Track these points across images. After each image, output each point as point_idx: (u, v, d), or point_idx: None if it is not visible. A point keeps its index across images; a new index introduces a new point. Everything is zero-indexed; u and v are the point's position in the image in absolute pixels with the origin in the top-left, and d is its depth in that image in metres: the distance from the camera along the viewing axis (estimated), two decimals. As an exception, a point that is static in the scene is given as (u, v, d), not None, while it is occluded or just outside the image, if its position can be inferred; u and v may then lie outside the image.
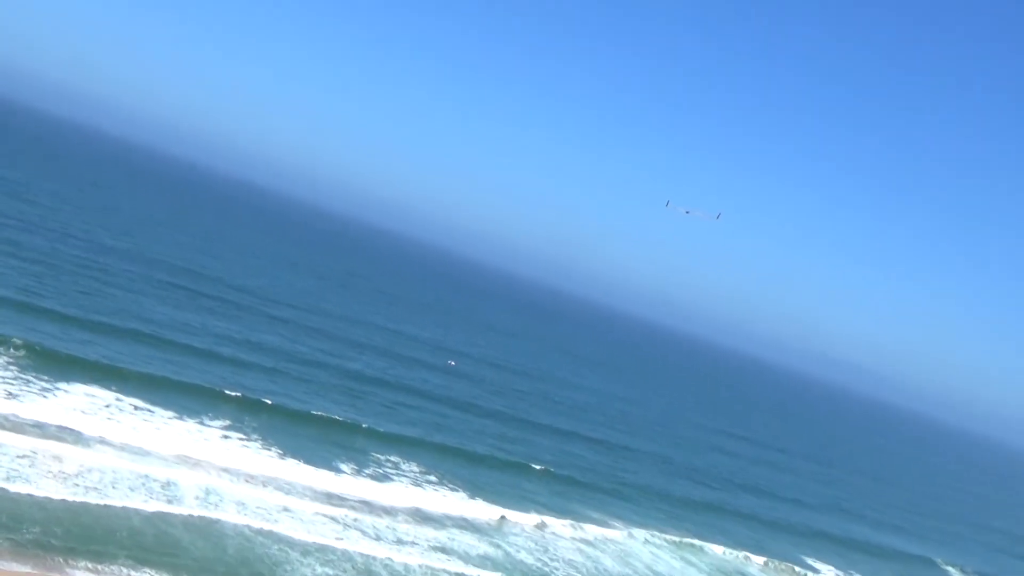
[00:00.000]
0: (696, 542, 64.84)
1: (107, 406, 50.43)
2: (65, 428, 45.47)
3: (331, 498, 49.23)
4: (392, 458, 59.29)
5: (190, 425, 52.08)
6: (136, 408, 51.66)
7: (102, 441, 45.60)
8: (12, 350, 53.12)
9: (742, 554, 66.52)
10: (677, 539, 63.82)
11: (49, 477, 40.28)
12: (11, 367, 51.33)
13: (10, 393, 47.49)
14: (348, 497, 50.26)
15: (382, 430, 63.36)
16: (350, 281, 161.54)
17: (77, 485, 40.48)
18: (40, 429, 44.38)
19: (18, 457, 40.88)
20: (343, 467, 54.44)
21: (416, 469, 58.73)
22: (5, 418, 44.24)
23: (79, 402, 49.55)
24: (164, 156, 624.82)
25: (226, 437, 52.37)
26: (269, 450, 52.49)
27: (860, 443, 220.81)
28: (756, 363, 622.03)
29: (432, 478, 58.12)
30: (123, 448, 45.75)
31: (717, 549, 65.39)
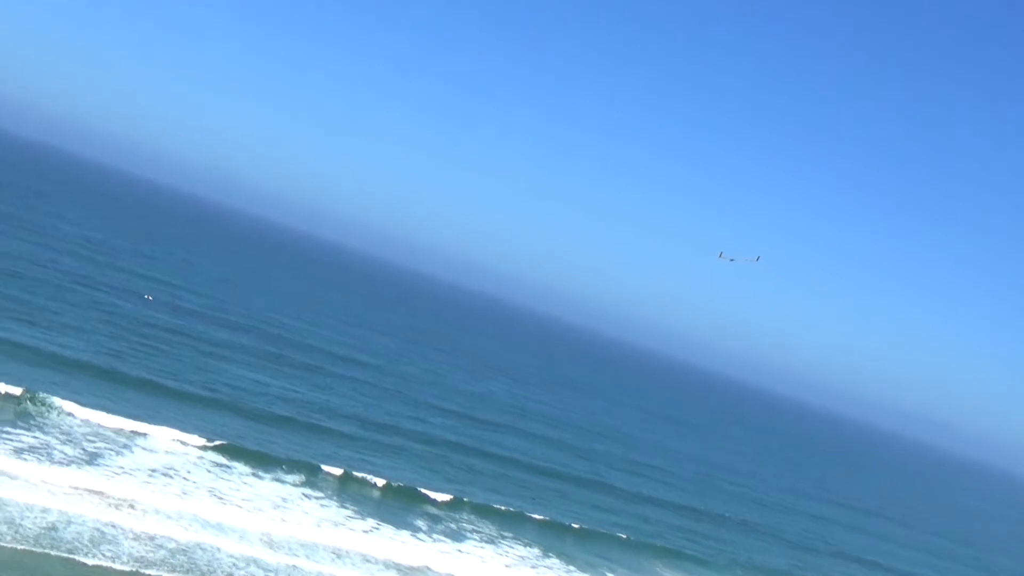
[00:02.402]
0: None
1: (187, 472, 50.17)
2: (139, 499, 45.15)
3: (412, 571, 47.99)
4: (469, 525, 57.92)
5: (268, 490, 51.49)
6: (216, 467, 51.34)
7: (177, 513, 45.14)
8: (88, 416, 53.33)
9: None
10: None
11: (130, 540, 39.94)
12: (89, 428, 51.45)
13: (93, 454, 47.45)
14: (429, 570, 48.94)
15: (460, 497, 61.94)
16: (417, 337, 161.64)
17: (160, 547, 40.01)
18: (117, 498, 44.12)
19: (97, 525, 40.60)
20: (422, 537, 53.22)
21: (495, 535, 57.22)
22: (83, 487, 44.13)
23: (158, 467, 49.35)
24: (209, 203, 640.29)
25: (305, 496, 51.62)
26: (348, 519, 51.60)
27: (958, 505, 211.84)
28: (819, 413, 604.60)
29: (513, 547, 56.50)
30: (199, 518, 45.25)
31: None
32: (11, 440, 46.23)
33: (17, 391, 51.84)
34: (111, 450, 49.43)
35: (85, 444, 49.08)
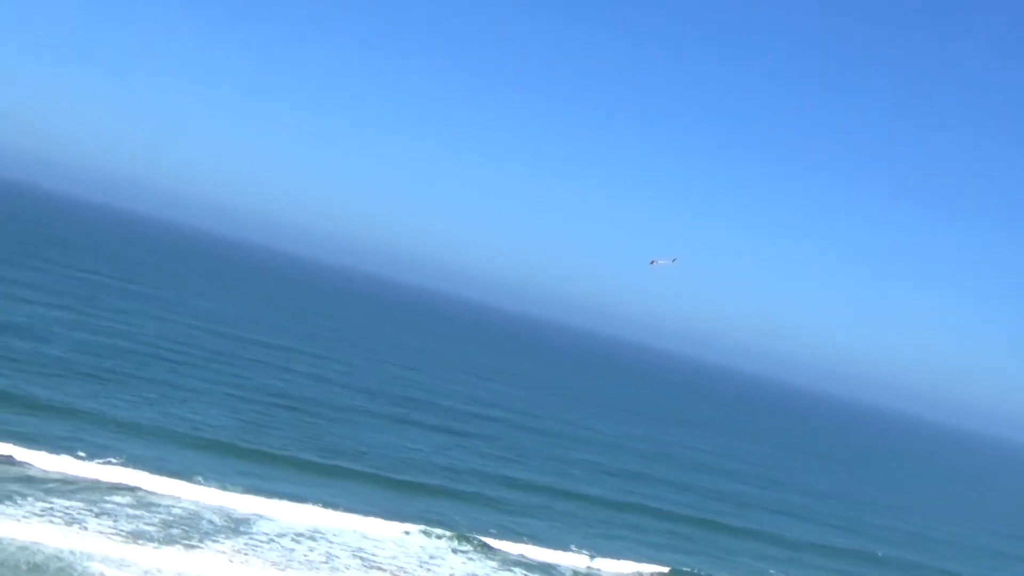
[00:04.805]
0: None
1: (332, 535, 49.56)
2: (285, 567, 44.53)
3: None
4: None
5: (415, 548, 50.38)
6: (361, 530, 50.59)
7: None
8: (231, 492, 53.32)
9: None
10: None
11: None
12: (234, 503, 51.40)
13: (240, 522, 47.18)
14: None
15: (609, 554, 59.24)
16: (541, 385, 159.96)
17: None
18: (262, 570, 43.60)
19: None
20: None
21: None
22: (231, 559, 43.77)
23: (304, 532, 48.89)
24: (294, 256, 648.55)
25: (454, 551, 50.23)
26: (495, 571, 49.98)
27: None
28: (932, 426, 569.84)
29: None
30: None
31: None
32: (160, 513, 46.41)
33: (163, 474, 51.90)
34: (259, 519, 49.26)
35: (231, 514, 49.01)
